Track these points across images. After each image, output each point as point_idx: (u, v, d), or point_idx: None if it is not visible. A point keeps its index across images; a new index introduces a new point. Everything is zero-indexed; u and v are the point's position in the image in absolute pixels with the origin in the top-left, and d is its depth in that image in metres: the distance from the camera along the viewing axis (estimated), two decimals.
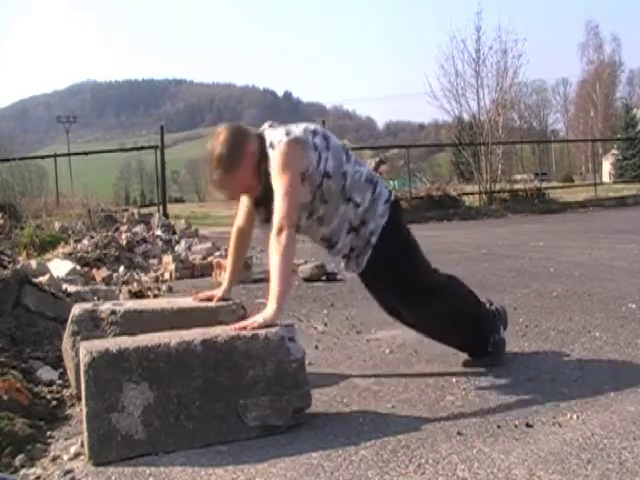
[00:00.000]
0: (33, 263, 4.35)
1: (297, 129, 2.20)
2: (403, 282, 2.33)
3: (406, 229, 2.42)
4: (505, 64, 16.52)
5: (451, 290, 2.44)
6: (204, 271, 5.98)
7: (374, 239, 2.29)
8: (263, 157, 2.17)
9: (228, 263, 2.52)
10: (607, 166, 39.71)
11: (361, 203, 2.28)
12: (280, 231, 2.04)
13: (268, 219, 2.18)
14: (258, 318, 1.97)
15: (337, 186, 2.23)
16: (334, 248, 2.36)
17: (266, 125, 2.29)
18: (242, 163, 2.15)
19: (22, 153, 16.00)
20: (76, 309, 2.33)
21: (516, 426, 1.85)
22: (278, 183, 2.10)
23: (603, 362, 2.46)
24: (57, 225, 8.11)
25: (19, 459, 1.75)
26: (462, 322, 2.44)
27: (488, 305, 2.60)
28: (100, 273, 5.60)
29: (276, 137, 2.17)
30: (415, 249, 2.40)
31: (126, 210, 10.87)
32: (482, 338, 2.49)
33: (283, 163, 2.10)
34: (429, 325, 2.46)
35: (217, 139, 2.15)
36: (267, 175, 2.16)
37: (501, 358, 2.52)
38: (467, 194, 15.35)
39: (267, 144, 2.18)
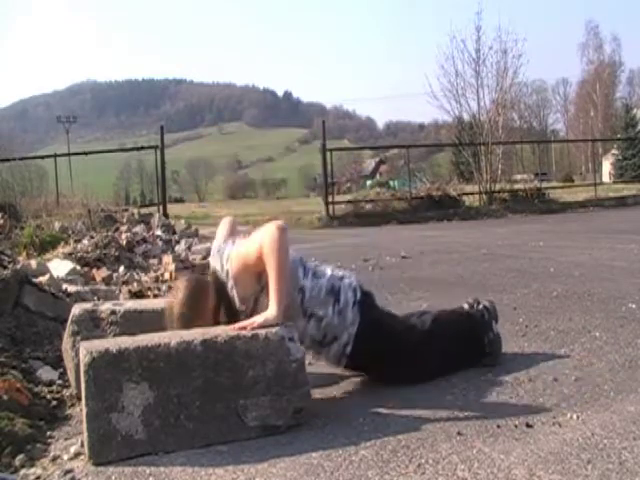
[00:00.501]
0: (33, 263, 4.35)
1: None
2: (390, 358, 2.31)
3: (377, 316, 2.36)
4: (505, 64, 16.50)
5: (437, 333, 2.42)
6: (204, 271, 5.97)
7: (349, 349, 2.26)
8: (221, 296, 2.18)
9: None
10: (607, 166, 39.69)
11: (324, 316, 2.23)
12: (274, 231, 2.06)
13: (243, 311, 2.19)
14: (258, 318, 1.98)
15: (293, 303, 2.18)
16: None
17: (221, 242, 2.31)
18: (201, 314, 2.14)
19: (22, 153, 15.98)
20: (76, 309, 2.33)
21: (516, 426, 1.85)
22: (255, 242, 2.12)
23: (603, 362, 2.46)
24: (57, 225, 8.10)
25: (19, 459, 1.75)
26: (458, 352, 2.45)
27: (476, 305, 2.60)
28: (100, 273, 5.60)
29: (233, 252, 2.18)
30: (391, 325, 2.38)
31: (126, 210, 10.86)
32: (479, 344, 2.51)
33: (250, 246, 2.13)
34: (432, 370, 2.41)
35: (176, 296, 2.16)
36: (227, 300, 2.17)
37: (500, 356, 2.52)
38: (467, 194, 15.34)
39: (224, 260, 2.19)
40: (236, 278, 2.15)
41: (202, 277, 2.29)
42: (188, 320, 2.10)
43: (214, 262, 2.29)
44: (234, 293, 2.16)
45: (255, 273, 2.12)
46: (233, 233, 2.42)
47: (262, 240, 2.07)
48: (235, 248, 2.20)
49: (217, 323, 2.17)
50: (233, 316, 2.14)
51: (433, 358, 2.36)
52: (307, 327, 2.21)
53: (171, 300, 2.19)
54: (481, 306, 2.60)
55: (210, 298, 2.17)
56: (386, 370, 2.34)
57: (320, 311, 2.23)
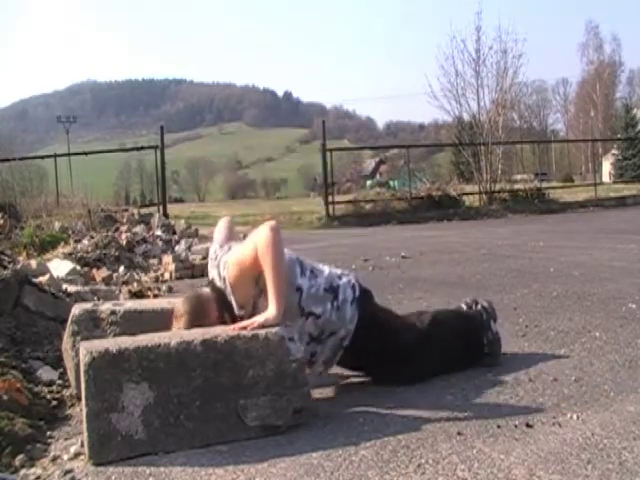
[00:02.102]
0: (33, 263, 4.35)
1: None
2: (389, 356, 2.31)
3: (377, 314, 2.37)
4: (505, 64, 16.50)
5: (436, 334, 2.41)
6: (204, 271, 5.97)
7: (347, 342, 2.27)
8: (223, 304, 2.17)
9: None
10: (607, 166, 39.72)
11: (322, 314, 2.23)
12: (268, 231, 2.06)
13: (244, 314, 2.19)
14: (259, 318, 1.98)
15: (291, 302, 2.17)
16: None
17: (217, 248, 2.31)
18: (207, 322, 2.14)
19: (22, 153, 15.99)
20: (76, 309, 2.33)
21: (516, 426, 1.85)
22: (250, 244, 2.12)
23: (603, 362, 2.46)
24: (57, 225, 8.11)
25: (19, 459, 1.75)
26: (457, 351, 2.45)
27: (474, 306, 2.60)
28: (100, 273, 5.60)
29: (229, 258, 2.18)
30: (390, 324, 2.38)
31: (126, 210, 10.86)
32: (478, 344, 2.51)
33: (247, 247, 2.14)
34: (430, 368, 2.41)
35: (179, 320, 2.14)
36: (230, 307, 2.17)
37: (499, 356, 2.52)
38: (467, 194, 15.34)
39: (221, 267, 2.19)
40: (233, 284, 2.14)
41: (200, 292, 2.27)
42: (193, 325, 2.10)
43: (211, 270, 2.29)
44: (232, 299, 2.16)
45: (252, 277, 2.12)
46: (230, 236, 2.41)
47: (256, 242, 2.08)
48: (230, 254, 2.20)
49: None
50: (235, 321, 2.14)
51: (432, 357, 2.36)
52: (305, 325, 2.21)
53: (175, 325, 2.15)
54: (479, 306, 2.60)
55: (212, 310, 2.16)
56: (385, 369, 2.34)
57: (318, 309, 2.23)
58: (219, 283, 2.20)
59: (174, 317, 2.16)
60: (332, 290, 2.27)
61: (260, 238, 2.07)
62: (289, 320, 2.14)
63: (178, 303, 2.21)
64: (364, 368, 2.41)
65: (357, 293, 2.31)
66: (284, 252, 2.15)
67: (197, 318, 2.11)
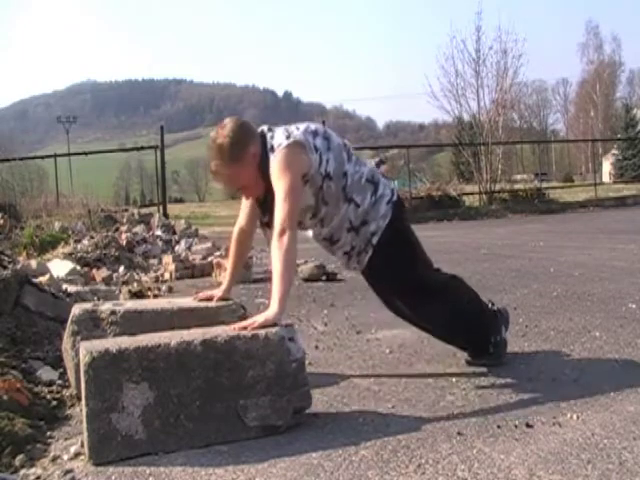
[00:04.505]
0: (33, 263, 4.35)
1: (297, 131, 2.19)
2: (404, 281, 2.34)
3: (408, 229, 2.42)
4: (505, 64, 16.54)
5: (452, 289, 2.45)
6: (204, 271, 5.98)
7: (375, 239, 2.30)
8: (264, 159, 2.17)
9: (229, 263, 2.52)
10: (607, 166, 39.71)
11: (361, 204, 2.28)
12: (282, 234, 2.04)
13: (269, 223, 2.19)
14: (259, 318, 1.98)
15: (338, 187, 2.24)
16: (335, 245, 2.37)
17: (265, 128, 2.27)
18: (242, 160, 2.15)
19: (22, 153, 16.05)
20: (76, 309, 2.33)
21: (516, 426, 1.85)
22: (279, 186, 2.10)
23: (603, 362, 2.46)
24: (57, 225, 8.11)
25: (19, 459, 1.75)
26: (464, 320, 2.44)
27: (490, 305, 2.60)
28: (100, 273, 5.60)
29: (276, 140, 2.17)
30: (416, 248, 2.41)
31: (126, 210, 10.86)
32: (483, 338, 2.49)
33: (283, 166, 2.10)
34: (432, 323, 2.47)
35: (222, 130, 2.16)
36: (267, 178, 2.16)
37: (502, 359, 2.52)
38: (467, 194, 15.35)
39: (268, 147, 2.18)
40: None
41: (252, 124, 2.26)
42: (228, 159, 2.12)
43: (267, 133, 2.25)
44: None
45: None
46: None
47: (279, 191, 2.08)
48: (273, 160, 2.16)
49: (251, 191, 2.22)
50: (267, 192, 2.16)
51: (439, 307, 2.36)
52: (347, 211, 2.27)
53: (215, 132, 2.17)
54: (495, 308, 2.59)
55: (255, 143, 2.16)
56: (393, 293, 2.39)
57: (358, 197, 2.27)
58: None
59: (219, 126, 2.16)
60: (373, 182, 2.32)
61: (279, 214, 2.06)
62: (333, 208, 2.24)
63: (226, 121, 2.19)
64: (378, 283, 2.43)
65: (394, 197, 2.36)
66: (334, 138, 2.24)
67: (239, 136, 2.13)
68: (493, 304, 2.61)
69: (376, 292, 2.49)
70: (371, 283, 2.47)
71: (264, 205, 2.24)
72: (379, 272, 2.36)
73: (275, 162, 2.13)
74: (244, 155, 2.15)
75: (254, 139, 2.18)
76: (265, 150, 2.18)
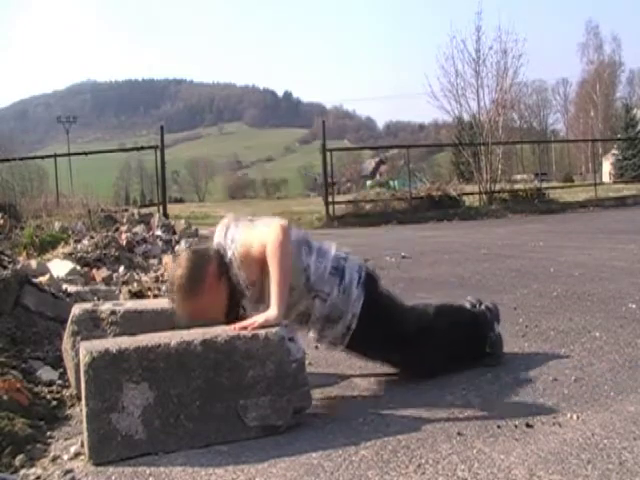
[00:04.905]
0: (33, 263, 4.35)
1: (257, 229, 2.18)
2: (394, 341, 2.32)
3: (382, 295, 2.39)
4: (505, 64, 16.51)
5: (440, 320, 2.43)
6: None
7: (354, 324, 2.27)
8: (224, 269, 2.16)
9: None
10: (607, 166, 39.69)
11: (329, 295, 2.24)
12: (276, 245, 2.05)
13: (256, 300, 2.19)
14: (259, 318, 1.98)
15: (299, 283, 2.19)
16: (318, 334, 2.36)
17: (231, 220, 2.26)
18: (202, 283, 2.12)
19: (22, 153, 16.05)
20: (76, 309, 2.33)
21: (516, 426, 1.85)
22: (262, 230, 2.12)
23: (603, 362, 2.46)
24: (57, 225, 8.10)
25: (19, 459, 1.75)
26: (461, 341, 2.46)
27: (478, 305, 2.61)
28: (100, 273, 5.59)
29: (237, 236, 2.17)
30: (395, 308, 2.39)
31: (126, 210, 10.85)
32: (480, 342, 2.52)
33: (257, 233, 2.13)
34: (436, 360, 2.41)
35: (177, 268, 2.15)
36: (231, 281, 2.16)
37: (500, 357, 2.53)
38: (467, 194, 15.34)
39: (229, 240, 2.17)
40: (241, 262, 2.14)
41: (204, 247, 2.27)
42: (189, 289, 2.09)
43: (218, 237, 2.25)
44: (240, 273, 2.15)
45: (259, 262, 2.11)
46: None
47: (265, 240, 2.07)
48: (240, 233, 2.17)
49: (219, 301, 2.17)
50: (232, 288, 2.16)
51: (433, 348, 2.36)
52: (313, 305, 2.23)
53: (173, 269, 2.17)
54: (483, 306, 2.61)
55: (212, 265, 2.15)
56: (388, 355, 2.36)
57: (325, 290, 2.24)
58: (225, 251, 2.18)
59: (174, 262, 2.17)
60: (338, 272, 2.28)
61: (270, 237, 2.06)
62: (298, 301, 2.17)
63: (180, 255, 2.20)
64: (367, 352, 2.41)
65: (363, 276, 2.32)
66: (291, 254, 2.13)
67: (195, 266, 2.11)
68: (481, 302, 2.63)
69: (371, 359, 2.46)
70: (362, 353, 2.44)
71: (232, 311, 2.21)
72: (366, 342, 2.33)
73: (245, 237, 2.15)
74: (204, 283, 2.12)
75: (209, 262, 2.16)
76: (223, 262, 2.16)
